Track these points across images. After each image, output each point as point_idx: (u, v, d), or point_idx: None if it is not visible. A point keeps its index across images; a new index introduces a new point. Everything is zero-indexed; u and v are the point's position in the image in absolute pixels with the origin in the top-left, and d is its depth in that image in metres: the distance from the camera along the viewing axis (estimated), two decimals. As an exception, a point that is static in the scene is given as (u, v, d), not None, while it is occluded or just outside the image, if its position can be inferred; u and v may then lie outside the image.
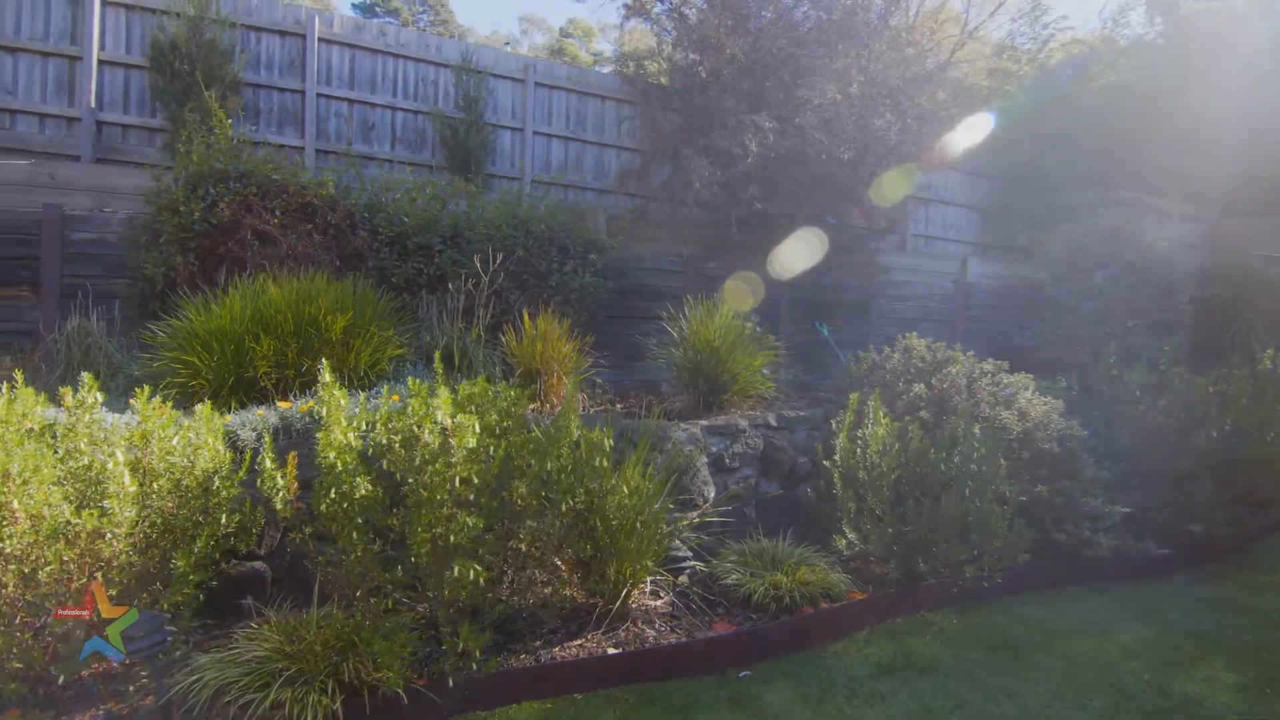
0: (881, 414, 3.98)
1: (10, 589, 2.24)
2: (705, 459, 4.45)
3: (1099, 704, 2.94)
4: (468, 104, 7.51)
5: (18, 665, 2.32)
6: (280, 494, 2.60)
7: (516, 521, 2.81)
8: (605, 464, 2.87)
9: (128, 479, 2.31)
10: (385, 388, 3.87)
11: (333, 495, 2.44)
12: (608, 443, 2.96)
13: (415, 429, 2.49)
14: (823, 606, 3.60)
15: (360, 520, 2.48)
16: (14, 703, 2.44)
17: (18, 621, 2.31)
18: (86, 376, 2.64)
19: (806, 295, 7.99)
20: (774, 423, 4.77)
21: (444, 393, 2.55)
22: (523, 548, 2.68)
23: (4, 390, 2.55)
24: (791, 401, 5.67)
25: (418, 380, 2.68)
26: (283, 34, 7.24)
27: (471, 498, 2.56)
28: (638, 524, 3.00)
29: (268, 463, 2.55)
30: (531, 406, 4.45)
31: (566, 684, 2.91)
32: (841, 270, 7.80)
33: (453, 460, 2.47)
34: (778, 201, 6.67)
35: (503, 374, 4.90)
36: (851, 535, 3.86)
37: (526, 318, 4.77)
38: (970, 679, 3.09)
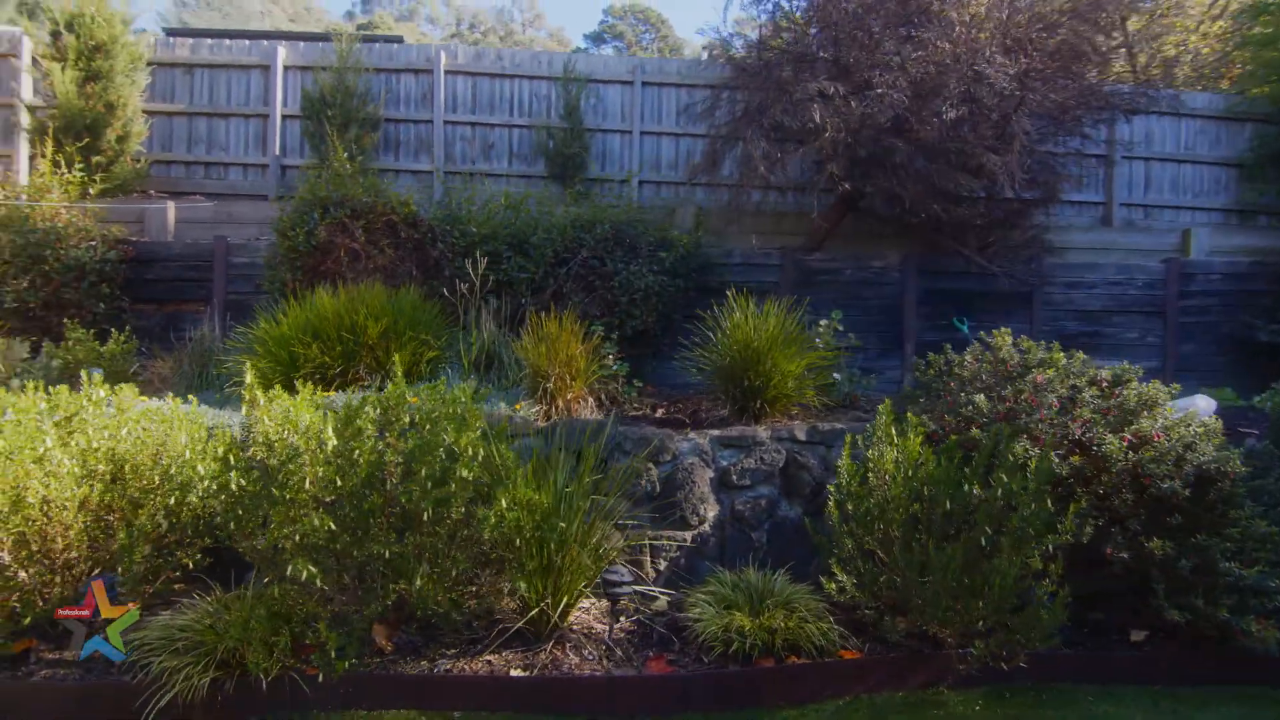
0: (895, 431, 3.19)
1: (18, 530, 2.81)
2: (711, 473, 4.00)
3: None
4: (568, 113, 7.72)
5: (17, 606, 2.90)
6: (204, 483, 2.89)
7: (409, 529, 2.78)
8: (466, 474, 2.69)
9: (67, 461, 2.77)
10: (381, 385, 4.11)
11: (215, 486, 2.65)
12: (475, 450, 2.77)
13: (279, 430, 2.60)
14: (790, 661, 3.00)
15: (241, 512, 2.66)
16: (30, 635, 3.05)
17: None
18: (97, 375, 3.23)
19: (942, 285, 6.78)
20: (801, 436, 4.10)
21: (304, 394, 2.62)
22: (386, 553, 2.62)
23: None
24: (858, 412, 4.84)
25: (306, 383, 2.80)
26: (416, 72, 8.13)
27: (330, 499, 2.60)
28: (517, 540, 2.77)
29: (188, 454, 2.86)
30: (536, 409, 4.40)
31: (450, 699, 2.81)
32: (992, 252, 6.46)
33: (303, 462, 2.53)
34: (881, 178, 5.73)
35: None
36: (842, 577, 3.14)
37: (534, 318, 4.72)
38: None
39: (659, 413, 5.07)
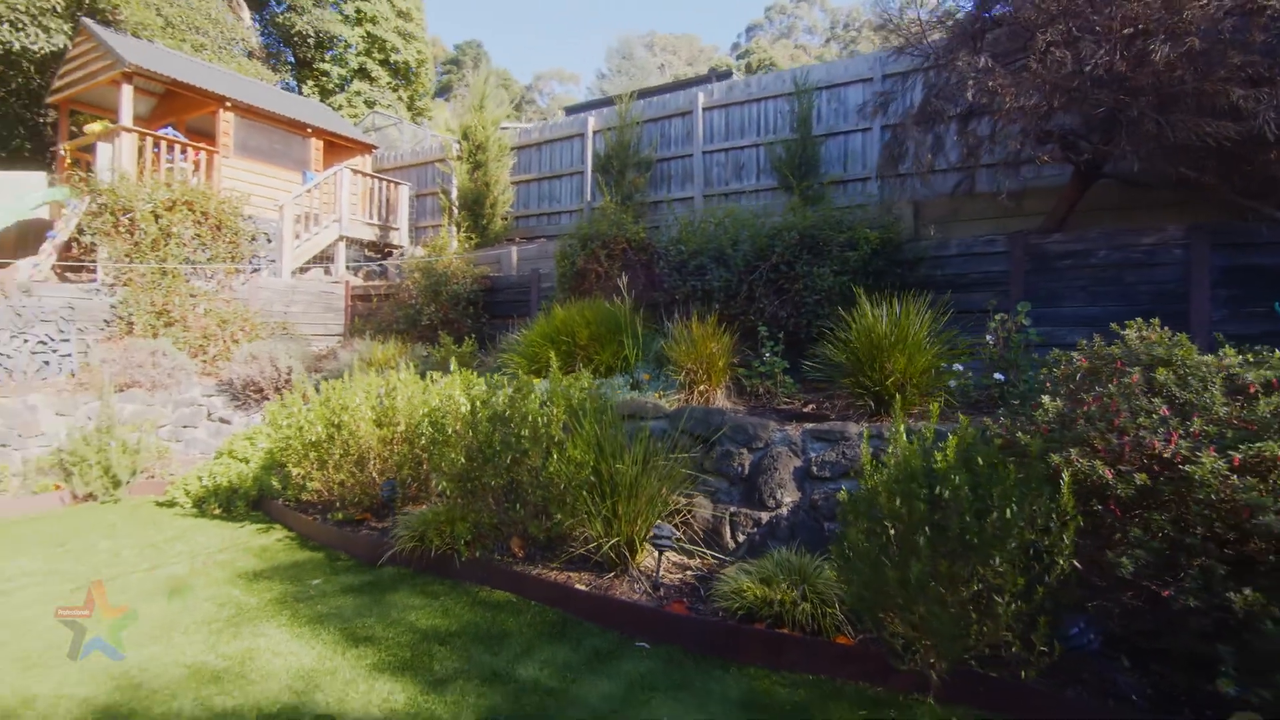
0: (901, 430, 3.13)
1: (356, 456, 5.08)
2: (799, 463, 4.28)
3: None
4: (800, 124, 8.10)
5: (361, 494, 5.17)
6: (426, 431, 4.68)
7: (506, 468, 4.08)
8: (525, 432, 3.76)
9: (368, 411, 4.85)
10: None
11: (415, 432, 4.36)
12: (536, 417, 3.82)
13: (442, 399, 4.15)
14: (779, 631, 3.30)
15: (432, 447, 4.32)
16: (367, 510, 5.34)
17: (356, 476, 5.15)
18: (408, 363, 5.40)
19: (1254, 261, 5.11)
20: (888, 435, 4.01)
21: (453, 376, 4.10)
22: (493, 481, 3.93)
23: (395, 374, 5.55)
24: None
25: (469, 371, 4.32)
26: (682, 115, 9.57)
27: (475, 440, 4.04)
28: (562, 485, 3.75)
29: (425, 419, 4.68)
30: (678, 398, 5.23)
31: (535, 593, 3.97)
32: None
33: (456, 416, 4.03)
34: (1108, 142, 4.79)
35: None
36: (829, 571, 3.21)
37: (684, 322, 5.48)
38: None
39: (809, 408, 5.32)
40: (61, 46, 10.82)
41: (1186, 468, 2.58)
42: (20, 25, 10.18)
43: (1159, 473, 2.68)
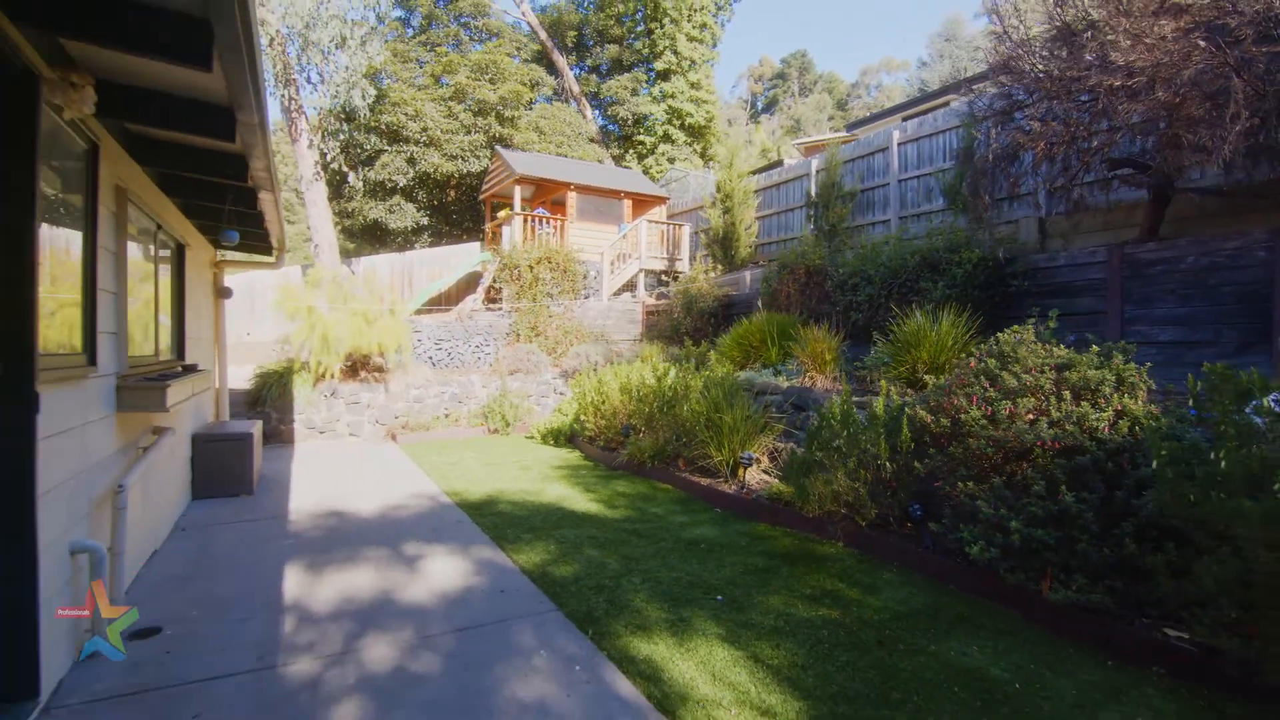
0: (850, 394, 5.37)
1: (612, 410, 8.84)
2: (845, 422, 6.52)
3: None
4: (963, 151, 9.34)
5: (614, 433, 8.95)
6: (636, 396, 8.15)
7: (669, 413, 7.25)
8: (670, 394, 6.79)
9: (616, 385, 8.49)
10: (742, 367, 8.40)
11: (636, 396, 7.84)
12: (686, 387, 6.82)
13: (641, 377, 7.51)
14: (781, 506, 5.83)
15: (637, 405, 7.75)
16: (616, 442, 9.07)
17: (610, 421, 8.90)
18: (660, 357, 9.03)
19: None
20: (896, 399, 6.00)
21: (655, 366, 7.42)
22: (660, 422, 7.13)
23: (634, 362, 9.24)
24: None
25: (669, 362, 7.63)
26: (881, 151, 11.38)
27: (654, 400, 7.35)
28: (689, 423, 6.71)
29: (635, 387, 8.16)
30: (795, 382, 7.68)
31: (677, 484, 7.08)
32: None
33: (644, 386, 7.38)
34: (1140, 169, 5.77)
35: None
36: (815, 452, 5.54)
37: (803, 328, 7.79)
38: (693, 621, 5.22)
39: (894, 390, 7.26)
40: (485, 166, 17.55)
41: (962, 416, 4.47)
42: (466, 159, 17.04)
43: (956, 419, 4.57)
